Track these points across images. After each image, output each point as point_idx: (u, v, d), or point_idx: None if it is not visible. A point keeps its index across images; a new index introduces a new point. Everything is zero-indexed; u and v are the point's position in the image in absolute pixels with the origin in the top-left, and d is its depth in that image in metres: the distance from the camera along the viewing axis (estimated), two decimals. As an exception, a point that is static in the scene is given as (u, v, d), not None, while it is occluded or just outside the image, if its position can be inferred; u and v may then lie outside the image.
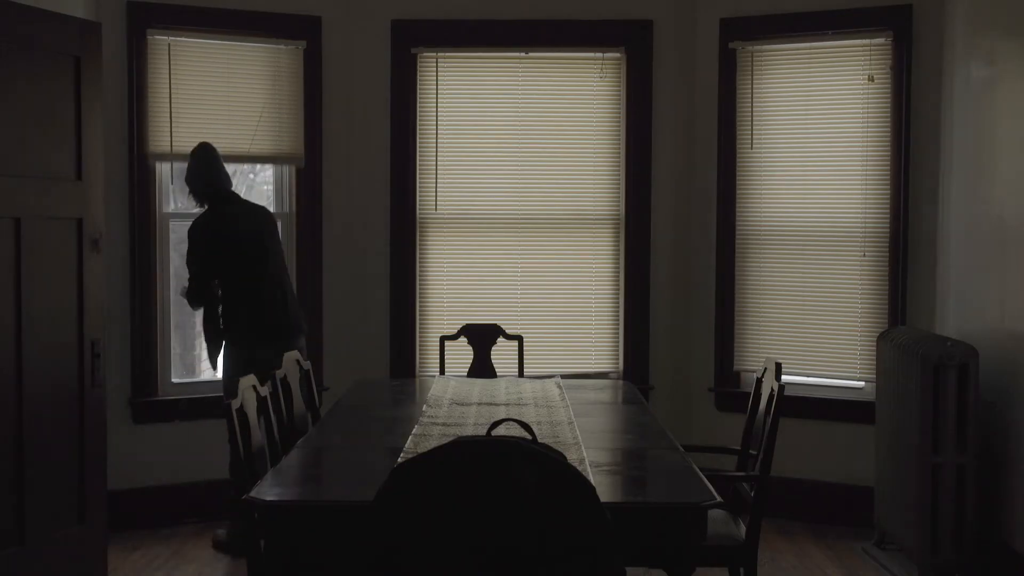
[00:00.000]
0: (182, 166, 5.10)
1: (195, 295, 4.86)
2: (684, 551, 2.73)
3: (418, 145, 5.70)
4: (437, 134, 5.70)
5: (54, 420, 4.02)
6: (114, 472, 4.73)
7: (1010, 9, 4.44)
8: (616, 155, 5.75)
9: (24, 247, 3.85)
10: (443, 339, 5.20)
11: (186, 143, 5.16)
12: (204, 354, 6.43)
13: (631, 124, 5.68)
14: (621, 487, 3.05)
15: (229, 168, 5.05)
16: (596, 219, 5.77)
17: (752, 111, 5.53)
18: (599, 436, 3.65)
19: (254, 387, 3.35)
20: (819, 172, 5.44)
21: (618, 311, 5.77)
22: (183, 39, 5.33)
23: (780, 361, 3.76)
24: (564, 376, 4.92)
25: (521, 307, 5.72)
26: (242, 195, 5.15)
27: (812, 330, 5.46)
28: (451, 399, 4.14)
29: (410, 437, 3.42)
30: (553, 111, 5.73)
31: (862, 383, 5.38)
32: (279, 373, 3.84)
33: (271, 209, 5.68)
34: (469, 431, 3.52)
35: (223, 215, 4.88)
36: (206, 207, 4.93)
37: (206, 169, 4.91)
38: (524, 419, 3.17)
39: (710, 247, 5.64)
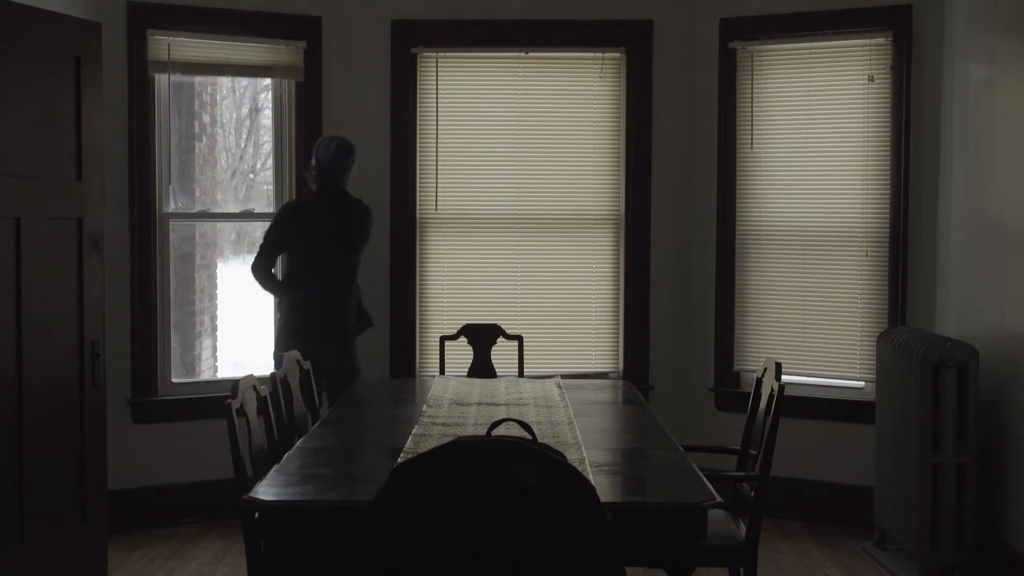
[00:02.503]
0: (180, 167, 5.11)
1: (258, 268, 4.98)
2: (684, 551, 2.73)
3: (418, 145, 5.70)
4: (437, 134, 5.70)
5: (54, 420, 4.02)
6: (114, 472, 4.73)
7: (1010, 9, 4.45)
8: (616, 155, 5.75)
9: (24, 247, 3.85)
10: (443, 339, 5.20)
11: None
12: (204, 354, 6.45)
13: (631, 124, 5.68)
14: (621, 487, 3.05)
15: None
16: (596, 219, 5.77)
17: (752, 111, 5.53)
18: (599, 436, 3.65)
19: (254, 387, 3.35)
20: (819, 172, 5.44)
21: (618, 311, 5.77)
22: (183, 39, 5.33)
23: (780, 361, 3.76)
24: (564, 376, 4.92)
25: (521, 307, 5.72)
26: (240, 197, 5.16)
27: (812, 330, 5.46)
28: (451, 399, 4.14)
29: (410, 437, 3.42)
30: (553, 111, 5.73)
31: (862, 383, 5.38)
32: (278, 373, 3.84)
33: (272, 209, 5.70)
34: (469, 431, 3.52)
35: (313, 207, 5.02)
36: (312, 192, 5.09)
37: (333, 164, 4.96)
38: (524, 419, 3.17)
39: (710, 247, 5.64)
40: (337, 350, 4.93)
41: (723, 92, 5.58)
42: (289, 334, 4.91)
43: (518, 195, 5.75)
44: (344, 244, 4.99)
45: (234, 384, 3.25)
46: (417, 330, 5.72)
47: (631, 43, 5.67)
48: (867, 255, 5.33)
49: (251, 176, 8.88)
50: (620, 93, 5.72)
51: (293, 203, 5.22)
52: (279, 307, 5.05)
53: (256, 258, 4.99)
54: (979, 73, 4.69)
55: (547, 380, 4.66)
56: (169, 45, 5.28)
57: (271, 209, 5.71)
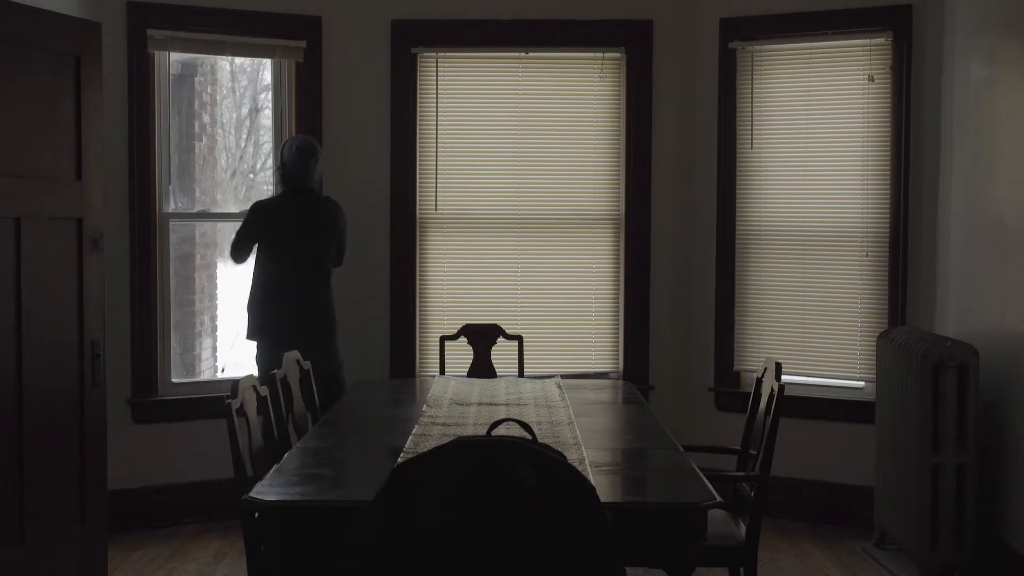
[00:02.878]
0: (180, 167, 5.11)
1: (236, 251, 5.05)
2: (684, 551, 2.73)
3: (418, 145, 5.70)
4: (437, 134, 5.70)
5: (54, 420, 4.02)
6: (114, 472, 4.73)
7: (1010, 9, 4.45)
8: (616, 155, 5.75)
9: (24, 247, 3.85)
10: (443, 339, 5.20)
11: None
12: (204, 354, 6.46)
13: (631, 124, 5.68)
14: (621, 487, 3.05)
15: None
16: (596, 219, 5.77)
17: (752, 111, 5.53)
18: (599, 436, 3.65)
19: (254, 387, 3.35)
20: (819, 172, 5.44)
21: (618, 311, 5.77)
22: (183, 37, 5.32)
23: (780, 361, 3.76)
24: (564, 376, 4.92)
25: (521, 307, 5.72)
26: (240, 197, 5.16)
27: (812, 330, 5.46)
28: (451, 399, 4.14)
29: (410, 437, 3.42)
30: (553, 111, 5.73)
31: (862, 383, 5.38)
32: (279, 373, 3.84)
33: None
34: (469, 431, 3.52)
35: (277, 205, 5.03)
36: (280, 192, 5.12)
37: (294, 163, 4.95)
38: (524, 419, 3.17)
39: (710, 247, 5.64)
40: (320, 348, 4.88)
41: (723, 92, 5.58)
42: (263, 331, 4.90)
43: (518, 195, 5.75)
44: (313, 240, 4.97)
45: (234, 384, 3.25)
46: (417, 330, 5.71)
47: (631, 43, 5.67)
48: (867, 255, 5.33)
49: (251, 176, 8.88)
50: (620, 93, 5.72)
51: (259, 202, 5.17)
52: (250, 305, 4.98)
53: (230, 254, 5.10)
54: (979, 73, 4.69)
55: (547, 380, 4.66)
56: (169, 43, 5.28)
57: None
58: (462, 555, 2.12)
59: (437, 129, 5.70)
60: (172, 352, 5.52)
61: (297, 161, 4.94)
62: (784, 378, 3.70)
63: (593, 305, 5.79)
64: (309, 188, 5.00)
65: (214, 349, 6.63)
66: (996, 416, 4.43)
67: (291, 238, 4.94)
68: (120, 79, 5.14)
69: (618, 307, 5.77)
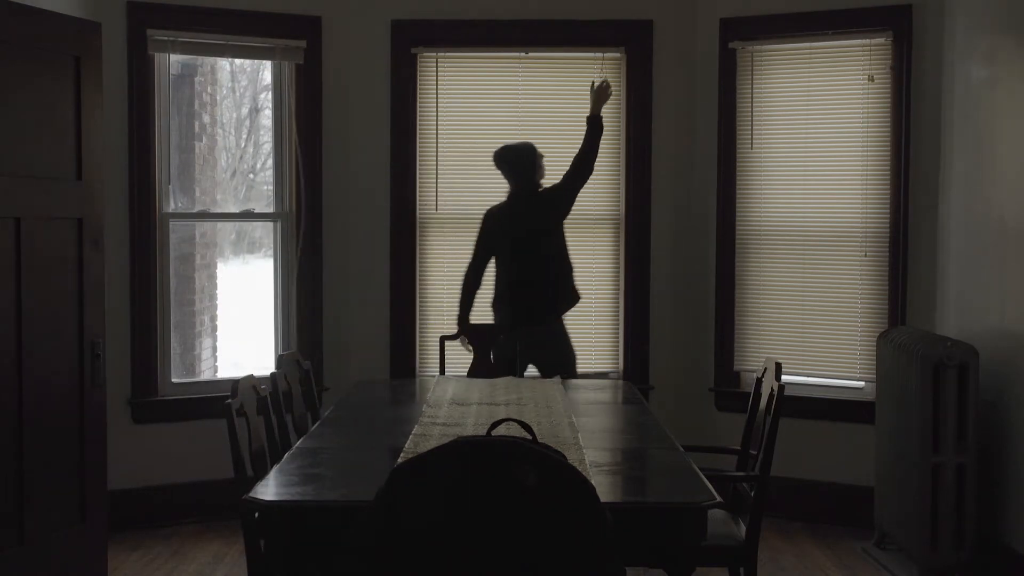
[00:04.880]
0: (180, 167, 5.11)
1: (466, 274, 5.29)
2: (684, 551, 2.73)
3: (418, 145, 5.70)
4: (437, 134, 5.70)
5: (54, 420, 4.02)
6: (114, 472, 4.73)
7: (1010, 9, 4.45)
8: (616, 155, 5.75)
9: (24, 247, 3.85)
10: (443, 339, 5.20)
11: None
12: (204, 354, 6.45)
13: (631, 124, 5.68)
14: (621, 487, 3.05)
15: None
16: (596, 219, 5.77)
17: (752, 111, 5.53)
18: (599, 436, 3.65)
19: (254, 387, 3.35)
20: (819, 172, 5.44)
21: (618, 311, 5.77)
22: (183, 39, 5.33)
23: (780, 361, 3.76)
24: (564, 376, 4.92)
25: (521, 307, 5.71)
26: (240, 197, 5.16)
27: (812, 330, 5.46)
28: (451, 399, 4.14)
29: (410, 437, 3.41)
30: (553, 111, 5.73)
31: (862, 383, 5.38)
32: (278, 373, 3.84)
33: (272, 209, 5.70)
34: (469, 431, 3.52)
35: (498, 209, 5.26)
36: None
37: (508, 167, 5.20)
38: (524, 419, 3.17)
39: (710, 247, 5.64)
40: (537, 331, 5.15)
41: (723, 92, 5.58)
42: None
43: (518, 195, 5.74)
44: (524, 233, 5.16)
45: (234, 384, 3.25)
46: (417, 330, 5.71)
47: (631, 43, 5.67)
48: (866, 255, 5.33)
49: (251, 176, 8.88)
50: (620, 93, 5.72)
51: (491, 208, 5.35)
52: None
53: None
54: (979, 73, 4.69)
55: (547, 380, 4.66)
56: (169, 45, 5.28)
57: (271, 209, 5.72)
58: (462, 555, 2.12)
59: (437, 129, 5.70)
60: (172, 352, 5.52)
61: (499, 167, 5.24)
62: (784, 378, 3.70)
63: (593, 305, 5.79)
64: (529, 187, 5.19)
65: (214, 349, 6.63)
66: (996, 416, 4.43)
67: (504, 234, 5.21)
68: (120, 79, 5.14)
69: (618, 307, 5.77)
